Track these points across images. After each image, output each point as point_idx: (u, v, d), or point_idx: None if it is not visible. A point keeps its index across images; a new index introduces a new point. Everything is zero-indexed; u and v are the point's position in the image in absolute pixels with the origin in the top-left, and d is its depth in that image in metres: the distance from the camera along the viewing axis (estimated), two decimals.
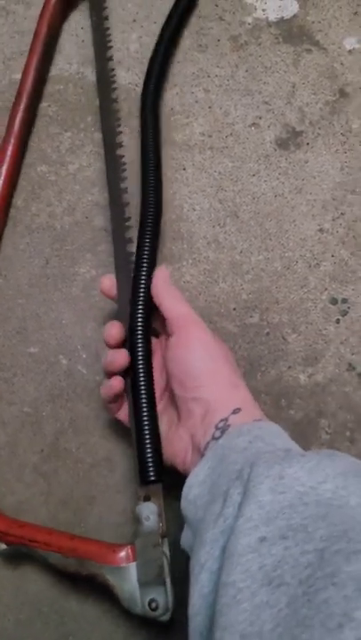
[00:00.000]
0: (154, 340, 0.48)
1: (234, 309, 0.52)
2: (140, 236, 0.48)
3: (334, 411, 0.50)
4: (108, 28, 0.55)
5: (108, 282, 0.48)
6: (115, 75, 0.55)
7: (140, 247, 0.47)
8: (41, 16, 0.55)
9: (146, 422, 0.43)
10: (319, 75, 0.56)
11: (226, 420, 0.40)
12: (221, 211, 0.54)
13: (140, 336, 0.45)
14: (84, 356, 0.52)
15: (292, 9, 0.57)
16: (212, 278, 0.53)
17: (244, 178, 0.54)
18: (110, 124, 0.52)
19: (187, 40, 0.57)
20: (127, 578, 0.43)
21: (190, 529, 0.38)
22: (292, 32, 0.56)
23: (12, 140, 0.53)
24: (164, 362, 0.45)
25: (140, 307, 0.46)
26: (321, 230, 0.53)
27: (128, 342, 0.46)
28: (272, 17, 0.57)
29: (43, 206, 0.54)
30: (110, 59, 0.55)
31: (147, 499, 0.44)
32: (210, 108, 0.55)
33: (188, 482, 0.39)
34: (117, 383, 0.45)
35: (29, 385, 0.52)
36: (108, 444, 0.51)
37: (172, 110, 0.55)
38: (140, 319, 0.46)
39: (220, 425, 0.40)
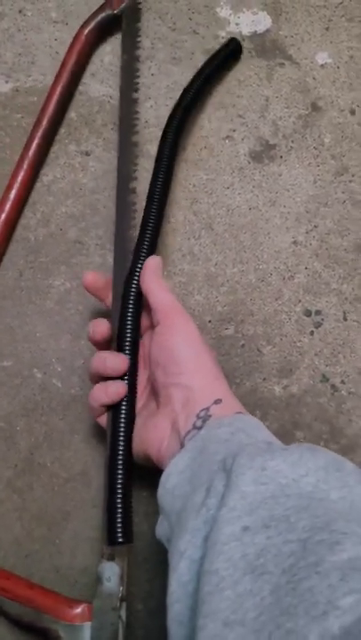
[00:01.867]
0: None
1: (209, 322, 0.52)
2: (140, 234, 0.48)
3: (309, 422, 0.50)
4: (137, 69, 0.56)
5: (90, 277, 0.47)
6: (138, 114, 0.56)
7: (137, 244, 0.47)
8: (71, 46, 0.55)
9: (119, 479, 0.43)
10: (292, 89, 0.56)
11: (207, 409, 0.40)
12: (196, 223, 0.54)
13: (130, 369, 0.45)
14: (59, 369, 0.52)
15: (265, 23, 0.57)
16: (187, 290, 0.53)
17: (219, 190, 0.54)
18: (129, 160, 0.53)
19: (161, 53, 0.57)
20: (80, 637, 0.42)
21: (166, 519, 0.38)
22: (266, 46, 0.57)
23: (25, 167, 0.53)
24: (149, 351, 0.45)
25: (130, 309, 0.46)
26: (295, 243, 0.53)
27: (115, 345, 0.46)
28: (245, 31, 0.57)
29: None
30: (136, 100, 0.55)
31: (111, 558, 0.43)
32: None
33: (167, 470, 0.38)
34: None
35: (3, 399, 0.51)
36: (83, 458, 0.50)
37: (147, 123, 0.55)
38: (129, 324, 0.46)
39: (202, 414, 0.40)
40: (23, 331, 0.52)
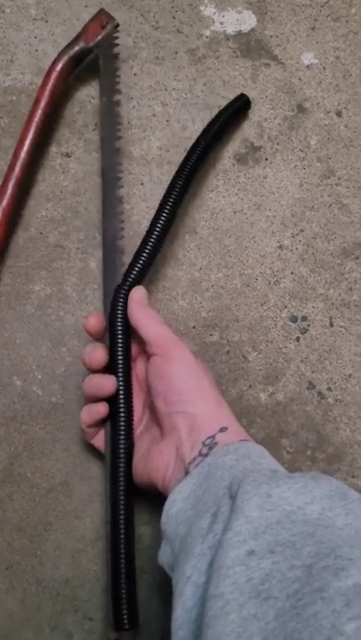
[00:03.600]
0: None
1: (193, 327, 0.51)
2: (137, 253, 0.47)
3: (295, 430, 0.49)
4: (117, 112, 0.54)
5: (94, 321, 0.46)
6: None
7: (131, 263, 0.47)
8: (43, 84, 0.52)
9: (122, 561, 0.42)
10: (277, 89, 0.55)
11: (213, 437, 0.40)
12: (180, 227, 0.53)
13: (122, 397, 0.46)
14: (40, 376, 0.50)
15: (250, 22, 0.56)
16: (170, 296, 0.52)
17: (203, 193, 0.53)
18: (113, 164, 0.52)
19: (144, 52, 0.55)
20: None
21: (169, 545, 0.38)
22: (251, 46, 0.56)
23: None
24: (144, 378, 0.45)
25: (119, 335, 0.46)
26: (280, 247, 0.53)
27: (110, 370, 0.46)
28: (230, 30, 0.56)
29: None
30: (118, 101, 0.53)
31: None
32: (167, 121, 0.54)
33: (172, 497, 0.38)
34: (103, 409, 0.45)
35: None
36: (64, 468, 0.49)
37: (130, 124, 0.54)
38: (120, 351, 0.46)
39: (208, 442, 0.40)
40: (2, 337, 0.51)
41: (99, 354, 0.45)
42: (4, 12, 0.56)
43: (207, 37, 0.56)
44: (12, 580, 0.48)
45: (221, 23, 0.56)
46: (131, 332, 0.46)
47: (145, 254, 0.46)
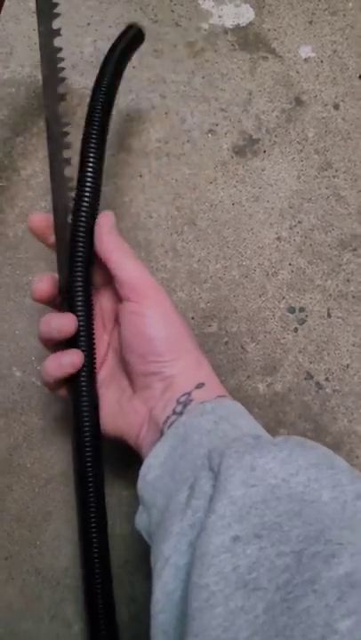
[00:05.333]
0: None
1: (192, 318, 0.51)
2: (82, 163, 0.41)
3: (293, 420, 0.50)
4: (56, 30, 0.46)
5: (38, 218, 0.41)
6: (62, 77, 0.46)
7: (80, 178, 0.41)
8: None
9: (98, 586, 0.40)
10: (275, 82, 0.56)
11: (189, 394, 0.38)
12: (179, 218, 0.53)
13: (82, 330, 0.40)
14: (39, 367, 0.50)
15: (248, 16, 0.57)
16: (169, 287, 0.52)
17: (202, 185, 0.54)
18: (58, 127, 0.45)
19: (143, 45, 0.56)
20: None
21: (146, 511, 0.36)
22: (249, 39, 0.56)
23: None
24: (120, 328, 0.41)
25: (79, 258, 0.40)
26: (278, 239, 0.53)
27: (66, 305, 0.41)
28: (228, 23, 0.56)
29: None
30: (57, 60, 0.45)
31: None
32: (166, 114, 0.55)
33: (147, 462, 0.37)
34: (77, 359, 0.39)
35: None
36: (64, 459, 0.49)
37: (128, 116, 0.54)
38: (79, 276, 0.40)
39: (183, 399, 0.38)
40: (2, 328, 0.51)
41: (44, 284, 0.40)
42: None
43: (205, 30, 0.56)
44: (11, 570, 0.48)
45: (220, 16, 0.57)
46: (92, 259, 0.41)
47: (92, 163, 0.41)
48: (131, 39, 0.46)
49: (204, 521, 0.29)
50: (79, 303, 0.40)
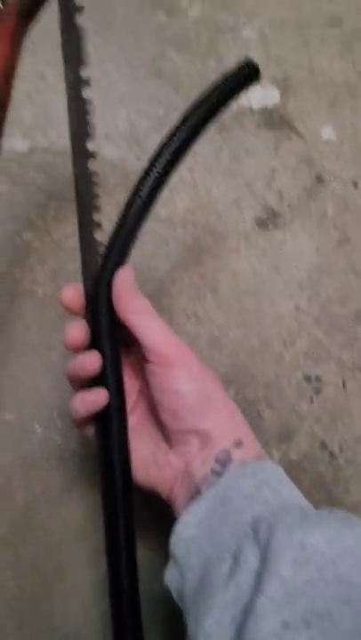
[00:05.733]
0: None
1: None
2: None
3: (307, 489, 0.51)
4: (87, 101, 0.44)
5: (72, 292, 0.40)
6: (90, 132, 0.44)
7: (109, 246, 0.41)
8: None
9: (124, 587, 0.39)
10: (298, 161, 0.59)
11: (227, 452, 0.38)
12: (202, 286, 0.55)
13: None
14: (60, 424, 0.52)
15: (274, 98, 0.60)
16: None
17: (225, 254, 0.56)
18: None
19: (173, 120, 0.59)
20: None
21: (177, 567, 0.36)
22: (274, 119, 0.60)
23: None
24: (149, 389, 0.40)
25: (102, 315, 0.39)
26: (297, 309, 0.55)
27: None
28: (255, 104, 0.60)
29: (26, 272, 0.55)
30: (86, 112, 0.43)
31: None
32: (193, 185, 0.58)
33: (183, 519, 0.36)
34: (101, 398, 0.39)
35: (2, 452, 0.51)
36: (80, 517, 0.50)
37: None
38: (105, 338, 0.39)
39: (221, 457, 0.37)
40: (27, 384, 0.53)
41: (76, 333, 0.39)
42: (45, 79, 0.60)
43: (234, 109, 0.60)
44: (22, 625, 0.48)
45: (247, 97, 0.60)
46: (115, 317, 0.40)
47: (128, 226, 0.40)
48: (242, 78, 0.42)
49: (252, 601, 0.29)
50: (106, 346, 0.39)
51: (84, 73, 0.41)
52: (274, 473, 0.37)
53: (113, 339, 0.40)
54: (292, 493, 0.37)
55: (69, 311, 0.41)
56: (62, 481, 0.51)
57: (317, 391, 0.53)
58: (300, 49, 0.62)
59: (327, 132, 0.60)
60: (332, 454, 0.51)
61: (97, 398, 0.39)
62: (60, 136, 0.58)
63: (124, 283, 0.39)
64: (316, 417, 0.52)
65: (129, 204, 0.41)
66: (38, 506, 0.50)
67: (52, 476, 0.51)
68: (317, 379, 0.53)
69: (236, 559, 0.32)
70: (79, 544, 0.50)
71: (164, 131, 0.58)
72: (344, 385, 0.53)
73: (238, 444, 0.38)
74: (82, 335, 0.40)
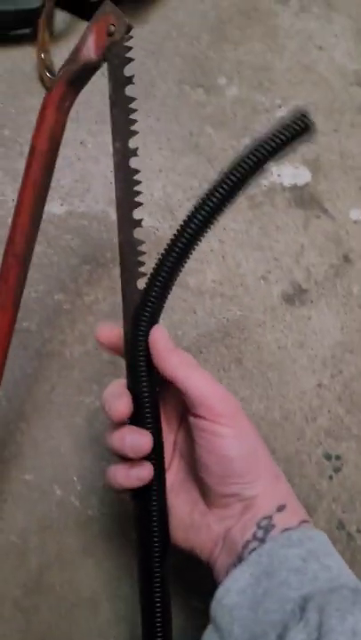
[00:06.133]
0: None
1: None
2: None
3: None
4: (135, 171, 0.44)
5: (107, 331, 0.40)
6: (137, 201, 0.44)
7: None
8: (38, 129, 0.41)
9: None
10: (326, 239, 0.60)
11: (270, 518, 0.36)
12: (227, 356, 0.56)
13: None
14: (79, 488, 0.52)
15: (304, 177, 0.62)
16: None
17: (251, 327, 0.57)
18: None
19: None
20: None
21: (218, 633, 0.35)
22: (304, 198, 0.62)
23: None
24: (194, 447, 0.38)
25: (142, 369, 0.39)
26: (320, 385, 0.56)
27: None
28: (286, 182, 0.62)
29: (55, 333, 0.56)
30: (133, 182, 0.43)
31: None
32: (223, 257, 0.59)
33: (226, 585, 0.35)
34: (146, 474, 0.38)
35: (19, 513, 0.51)
36: (93, 584, 0.50)
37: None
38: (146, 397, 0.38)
39: (264, 523, 0.36)
40: (48, 445, 0.53)
41: (123, 407, 0.38)
42: (85, 146, 0.62)
43: (265, 187, 0.62)
44: None
45: (279, 175, 0.62)
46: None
47: (165, 270, 0.40)
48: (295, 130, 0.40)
49: None
50: (149, 416, 0.39)
51: (132, 143, 0.42)
52: (320, 542, 0.36)
53: (156, 406, 0.39)
54: (340, 567, 0.36)
55: (108, 349, 0.41)
56: (78, 546, 0.51)
57: (337, 469, 0.53)
58: (331, 132, 0.65)
59: (356, 214, 0.61)
60: (349, 535, 0.51)
61: (142, 475, 0.38)
62: (96, 202, 0.60)
63: (161, 339, 0.38)
64: (334, 495, 0.52)
65: (168, 252, 0.41)
66: (52, 570, 0.50)
67: (67, 540, 0.51)
68: (338, 457, 0.54)
69: (281, 638, 0.31)
70: (90, 613, 0.49)
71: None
72: None
73: (281, 508, 0.37)
74: (128, 408, 0.38)
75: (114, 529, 0.50)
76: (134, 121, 0.41)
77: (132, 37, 0.40)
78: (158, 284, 0.40)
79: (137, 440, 0.38)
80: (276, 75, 0.68)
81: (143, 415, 0.39)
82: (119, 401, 0.38)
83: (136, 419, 0.39)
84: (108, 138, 0.62)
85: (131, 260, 0.42)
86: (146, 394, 0.39)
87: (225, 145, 0.64)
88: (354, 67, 0.69)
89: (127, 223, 0.42)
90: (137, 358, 0.39)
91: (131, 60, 0.40)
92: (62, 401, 0.54)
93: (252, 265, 0.59)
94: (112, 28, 0.39)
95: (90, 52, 0.39)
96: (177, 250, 0.40)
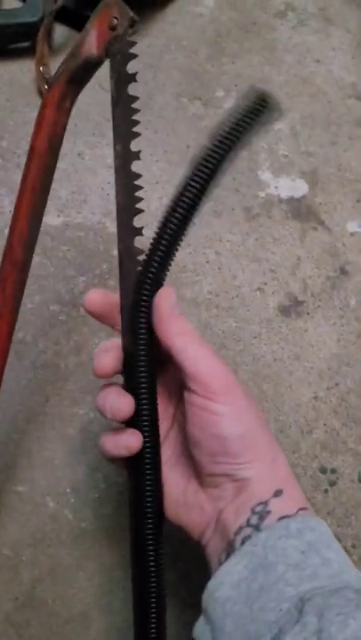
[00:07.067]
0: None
1: None
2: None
3: None
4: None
5: (95, 296, 0.38)
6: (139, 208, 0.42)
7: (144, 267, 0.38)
8: (38, 129, 0.39)
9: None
10: (323, 251, 0.60)
11: (266, 503, 0.34)
12: None
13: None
14: (73, 500, 0.51)
15: (302, 189, 0.62)
16: None
17: (246, 339, 0.57)
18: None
19: (204, 206, 0.61)
20: None
21: (209, 626, 0.33)
22: (301, 210, 0.62)
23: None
24: (186, 423, 0.36)
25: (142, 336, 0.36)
26: (315, 398, 0.55)
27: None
28: (283, 194, 0.62)
29: (50, 344, 0.56)
30: (134, 187, 0.41)
31: None
32: (219, 269, 0.59)
33: (218, 577, 0.33)
34: (135, 443, 0.35)
35: (12, 525, 0.51)
36: (85, 599, 0.49)
37: (184, 267, 0.59)
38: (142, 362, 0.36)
39: (258, 509, 0.34)
40: (42, 456, 0.53)
41: (107, 361, 0.36)
42: (83, 159, 0.62)
43: (262, 198, 0.62)
44: None
45: (276, 187, 0.62)
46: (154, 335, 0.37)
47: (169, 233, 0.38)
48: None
49: None
50: (142, 381, 0.36)
51: (134, 146, 0.39)
52: (320, 533, 0.34)
53: (151, 373, 0.37)
54: (341, 561, 0.33)
55: (93, 316, 0.39)
56: (71, 560, 0.50)
57: (332, 483, 0.53)
58: (328, 145, 0.65)
59: (353, 226, 0.61)
60: (345, 550, 0.51)
61: (130, 444, 0.35)
62: (93, 213, 0.60)
63: (167, 301, 0.36)
64: (329, 509, 0.52)
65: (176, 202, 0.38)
66: (44, 584, 0.49)
67: (60, 553, 0.50)
68: (333, 470, 0.53)
69: None
70: (82, 627, 0.48)
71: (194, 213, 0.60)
72: (360, 479, 0.53)
73: (278, 493, 0.34)
74: (113, 364, 0.36)
75: (107, 542, 0.50)
76: (137, 122, 0.39)
77: (136, 32, 0.37)
78: (166, 237, 0.37)
79: (116, 402, 0.35)
80: (273, 87, 0.68)
81: (136, 381, 0.36)
82: (105, 355, 0.36)
83: (129, 384, 0.37)
84: (106, 150, 0.63)
85: (130, 269, 0.39)
86: (142, 358, 0.36)
87: None
88: (351, 79, 0.69)
89: (127, 231, 0.40)
90: (137, 320, 0.36)
91: (134, 55, 0.37)
92: (56, 412, 0.54)
93: (249, 276, 0.59)
94: (115, 22, 0.36)
95: (91, 47, 0.37)
96: (185, 203, 0.38)
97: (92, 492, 0.52)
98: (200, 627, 0.34)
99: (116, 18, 0.36)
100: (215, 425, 0.34)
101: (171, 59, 0.69)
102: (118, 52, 0.37)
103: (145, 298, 0.37)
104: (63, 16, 0.68)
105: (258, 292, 0.59)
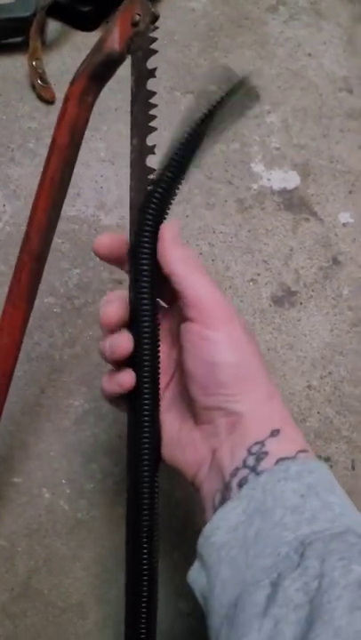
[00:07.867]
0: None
1: None
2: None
3: None
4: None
5: (106, 240, 0.37)
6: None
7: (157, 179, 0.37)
8: (60, 123, 0.39)
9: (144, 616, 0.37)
10: (315, 242, 0.60)
11: (262, 443, 0.33)
12: None
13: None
14: (68, 491, 0.52)
15: (294, 181, 0.63)
16: None
17: None
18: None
19: (197, 197, 0.62)
20: None
21: (204, 570, 0.32)
22: (293, 201, 0.62)
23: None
24: (181, 353, 0.36)
25: (145, 272, 0.36)
26: (309, 387, 0.55)
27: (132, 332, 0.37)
28: (276, 186, 0.62)
29: (45, 336, 0.56)
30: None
31: None
32: (213, 260, 0.59)
33: (214, 521, 0.32)
34: (127, 380, 0.35)
35: (8, 516, 0.51)
36: (82, 589, 0.49)
37: None
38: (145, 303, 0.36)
39: (255, 449, 0.33)
40: (38, 448, 0.53)
41: (112, 311, 0.36)
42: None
43: (255, 190, 0.62)
44: None
45: (268, 179, 0.63)
46: (158, 272, 0.36)
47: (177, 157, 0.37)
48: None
49: None
50: (145, 322, 0.36)
51: (150, 141, 0.39)
52: (321, 475, 0.33)
53: (154, 316, 0.37)
54: (343, 504, 0.32)
55: (103, 259, 0.39)
56: (66, 550, 0.50)
57: None
58: (320, 137, 0.65)
59: (345, 217, 0.62)
60: None
61: (122, 380, 0.36)
62: (87, 206, 0.60)
63: (170, 232, 0.36)
64: None
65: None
66: (40, 575, 0.49)
67: (56, 543, 0.50)
68: (327, 458, 0.53)
69: (274, 588, 0.28)
70: (79, 617, 0.48)
71: (188, 206, 0.61)
72: (353, 466, 0.53)
73: (275, 433, 0.33)
74: (118, 314, 0.36)
75: (103, 533, 0.50)
76: (154, 117, 0.39)
77: (157, 28, 0.38)
78: (172, 167, 0.37)
79: (116, 339, 0.36)
80: (265, 81, 0.68)
81: (138, 318, 0.36)
82: (110, 305, 0.36)
83: (131, 325, 0.37)
84: (99, 144, 0.63)
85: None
86: (145, 299, 0.36)
87: (214, 150, 0.64)
88: (343, 73, 0.70)
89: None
90: (140, 251, 0.36)
91: (155, 51, 0.38)
92: (52, 404, 0.54)
93: (241, 267, 0.59)
94: (137, 18, 0.37)
95: (114, 42, 0.37)
96: (186, 139, 0.38)
97: (88, 483, 0.52)
98: (195, 572, 0.33)
99: (138, 14, 0.37)
100: (209, 352, 0.34)
101: (163, 53, 0.69)
102: (139, 49, 0.38)
103: (149, 228, 0.36)
104: (56, 11, 0.68)
105: (251, 283, 0.59)
